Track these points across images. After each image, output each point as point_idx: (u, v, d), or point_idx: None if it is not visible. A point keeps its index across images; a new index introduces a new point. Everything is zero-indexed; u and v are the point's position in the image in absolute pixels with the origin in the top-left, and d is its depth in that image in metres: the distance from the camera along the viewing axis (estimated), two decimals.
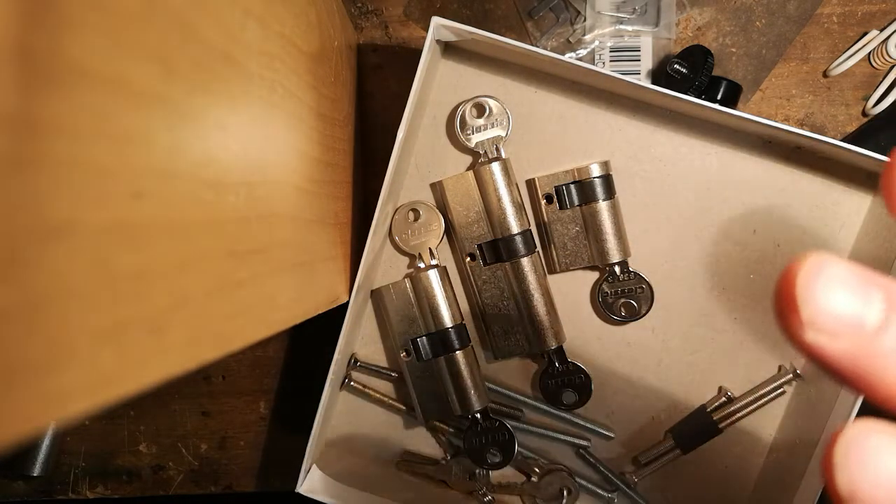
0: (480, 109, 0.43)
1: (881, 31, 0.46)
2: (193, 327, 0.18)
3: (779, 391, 0.44)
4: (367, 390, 0.46)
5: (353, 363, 0.46)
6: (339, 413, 0.47)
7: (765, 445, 0.46)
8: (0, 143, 0.11)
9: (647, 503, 0.46)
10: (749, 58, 0.47)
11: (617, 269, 0.43)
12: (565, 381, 0.44)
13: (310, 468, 0.41)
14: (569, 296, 0.45)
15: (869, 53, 0.46)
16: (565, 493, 0.45)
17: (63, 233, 0.13)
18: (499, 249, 0.42)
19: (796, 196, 0.43)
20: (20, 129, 0.11)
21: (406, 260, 0.45)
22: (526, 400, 0.46)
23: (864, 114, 0.47)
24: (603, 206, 0.42)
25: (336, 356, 0.40)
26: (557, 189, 0.42)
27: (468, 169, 0.44)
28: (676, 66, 0.44)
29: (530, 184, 0.44)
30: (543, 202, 0.43)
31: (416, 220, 0.44)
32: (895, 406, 0.15)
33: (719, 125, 0.43)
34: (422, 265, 0.44)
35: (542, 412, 0.46)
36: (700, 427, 0.45)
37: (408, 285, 0.43)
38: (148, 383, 0.16)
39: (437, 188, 0.44)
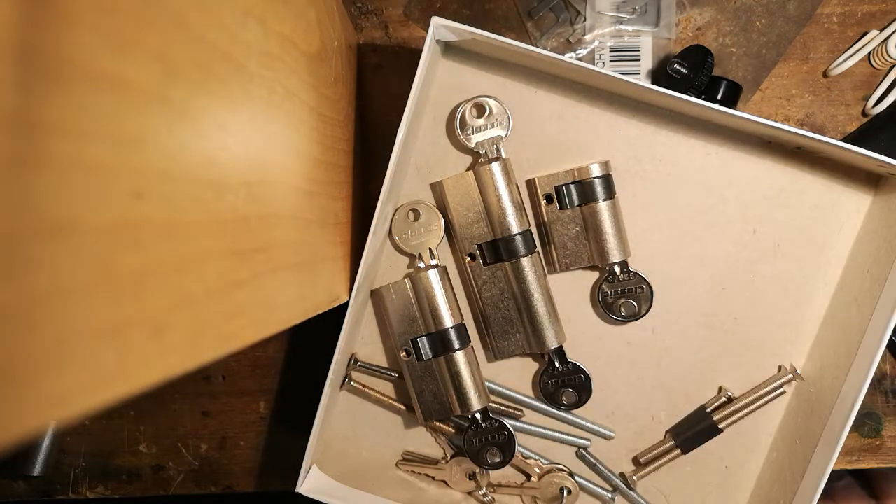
0: (480, 109, 0.43)
1: (881, 31, 0.46)
2: (194, 327, 0.18)
3: (779, 391, 0.44)
4: (367, 390, 0.46)
5: (353, 363, 0.46)
6: (339, 413, 0.47)
7: (765, 445, 0.46)
8: (0, 143, 0.11)
9: (647, 503, 0.46)
10: (749, 58, 0.47)
11: (617, 269, 0.43)
12: (565, 381, 0.44)
13: (310, 468, 0.41)
14: (569, 296, 0.45)
15: (869, 53, 0.46)
16: (565, 493, 0.45)
17: (63, 233, 0.13)
18: (499, 249, 0.42)
19: (796, 196, 0.43)
20: (20, 129, 0.11)
21: (406, 260, 0.45)
22: (526, 400, 0.46)
23: (864, 114, 0.47)
24: (603, 206, 0.42)
25: (336, 356, 0.40)
26: (557, 189, 0.42)
27: (468, 169, 0.44)
28: (676, 66, 0.44)
29: (530, 184, 0.44)
30: (543, 202, 0.43)
31: (416, 220, 0.44)
32: None
33: (719, 125, 0.43)
34: (422, 265, 0.44)
35: (542, 412, 0.46)
36: (700, 427, 0.45)
37: (408, 285, 0.43)
38: (148, 383, 0.16)
39: (437, 188, 0.44)
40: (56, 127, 0.12)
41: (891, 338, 0.38)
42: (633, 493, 0.46)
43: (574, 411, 0.46)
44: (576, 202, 0.42)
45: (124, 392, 0.15)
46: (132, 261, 0.15)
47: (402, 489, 0.45)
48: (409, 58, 0.48)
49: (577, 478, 0.46)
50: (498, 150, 0.42)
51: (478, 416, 0.43)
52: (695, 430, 0.45)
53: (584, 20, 0.47)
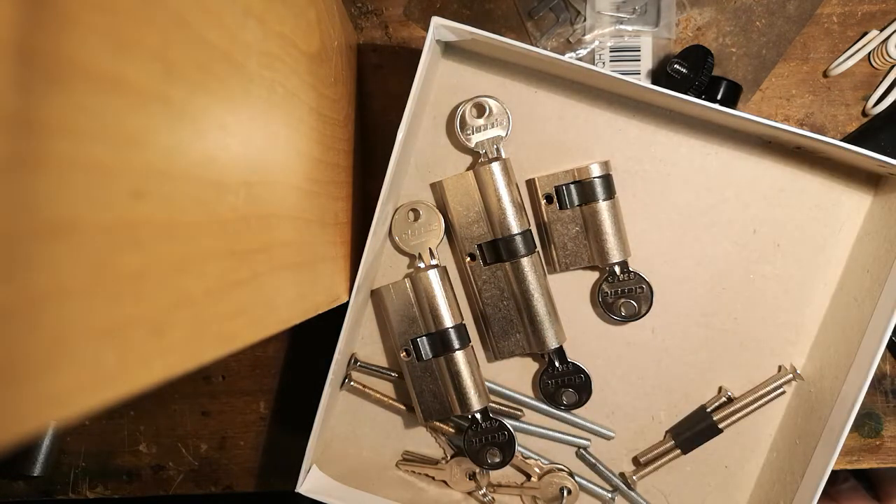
0: (480, 109, 0.43)
1: (881, 31, 0.46)
2: (193, 327, 0.18)
3: (779, 391, 0.44)
4: (367, 390, 0.46)
5: (353, 363, 0.46)
6: (339, 413, 0.47)
7: (765, 445, 0.46)
8: (0, 143, 0.11)
9: (647, 503, 0.46)
10: (749, 58, 0.47)
11: (617, 269, 0.43)
12: (565, 381, 0.44)
13: (310, 468, 0.41)
14: (569, 296, 0.45)
15: (869, 53, 0.46)
16: (565, 493, 0.45)
17: (63, 233, 0.13)
18: (499, 249, 0.42)
19: (796, 196, 0.43)
20: (20, 129, 0.11)
21: (406, 260, 0.45)
22: (526, 400, 0.46)
23: (864, 114, 0.47)
24: (603, 206, 0.42)
25: (336, 356, 0.40)
26: (557, 189, 0.42)
27: (468, 169, 0.44)
28: (676, 66, 0.44)
29: (530, 184, 0.44)
30: (543, 202, 0.43)
31: (416, 220, 0.44)
32: None
33: (719, 125, 0.43)
34: (422, 265, 0.44)
35: (542, 412, 0.46)
36: (700, 427, 0.45)
37: (408, 285, 0.43)
38: (148, 383, 0.16)
39: (437, 188, 0.44)
40: (56, 127, 0.12)
41: (891, 338, 0.38)
42: (633, 493, 0.46)
43: (574, 411, 0.46)
44: (576, 202, 0.42)
45: (124, 392, 0.15)
46: (132, 261, 0.15)
47: (402, 489, 0.45)
48: (409, 58, 0.48)
49: (577, 478, 0.46)
50: (498, 150, 0.42)
51: (478, 416, 0.43)
52: (695, 430, 0.45)
53: (584, 20, 0.47)
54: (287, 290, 0.28)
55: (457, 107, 0.43)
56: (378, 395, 0.46)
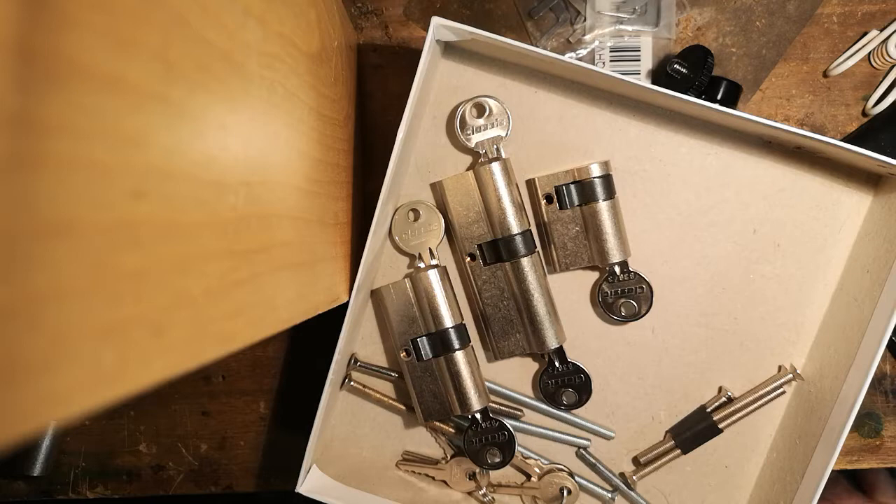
0: (480, 109, 0.43)
1: (881, 31, 0.46)
2: (193, 327, 0.18)
3: (779, 391, 0.44)
4: (367, 390, 0.46)
5: (353, 363, 0.46)
6: (339, 413, 0.47)
7: (765, 445, 0.46)
8: (0, 143, 0.11)
9: (647, 503, 0.46)
10: (749, 58, 0.47)
11: (617, 269, 0.43)
12: (565, 381, 0.44)
13: (310, 468, 0.41)
14: (569, 296, 0.45)
15: (869, 53, 0.46)
16: (565, 493, 0.45)
17: (63, 233, 0.13)
18: (499, 249, 0.42)
19: (796, 196, 0.43)
20: (20, 129, 0.11)
21: (406, 260, 0.45)
22: (526, 400, 0.46)
23: (864, 114, 0.47)
24: (603, 206, 0.42)
25: (336, 356, 0.40)
26: (557, 189, 0.42)
27: (468, 169, 0.44)
28: (676, 66, 0.44)
29: (530, 184, 0.44)
30: (543, 202, 0.43)
31: (416, 220, 0.44)
32: None
33: (719, 125, 0.43)
34: (422, 265, 0.44)
35: (542, 412, 0.46)
36: (700, 427, 0.45)
37: (408, 285, 0.43)
38: (148, 383, 0.16)
39: (437, 188, 0.44)
40: (56, 127, 0.12)
41: (891, 338, 0.38)
42: (633, 493, 0.46)
43: (574, 411, 0.46)
44: (576, 202, 0.42)
45: (124, 392, 0.15)
46: (132, 261, 0.15)
47: (402, 489, 0.45)
48: (409, 58, 0.48)
49: (577, 478, 0.46)
50: (498, 150, 0.42)
51: (478, 416, 0.43)
52: (695, 430, 0.45)
53: (584, 20, 0.47)
54: (287, 290, 0.28)
55: (457, 107, 0.43)
56: (378, 395, 0.46)
